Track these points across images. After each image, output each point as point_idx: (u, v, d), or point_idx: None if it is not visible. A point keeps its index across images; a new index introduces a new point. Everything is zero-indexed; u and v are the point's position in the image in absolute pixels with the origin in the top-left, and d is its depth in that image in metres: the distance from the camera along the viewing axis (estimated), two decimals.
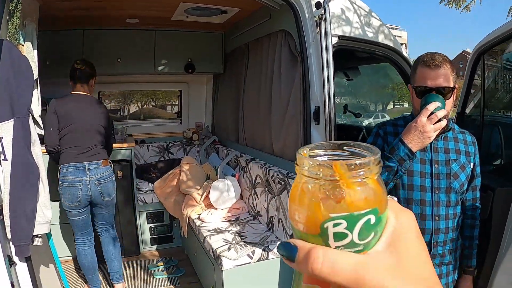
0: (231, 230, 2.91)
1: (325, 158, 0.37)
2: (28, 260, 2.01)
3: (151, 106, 6.36)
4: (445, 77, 1.54)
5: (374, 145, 1.75)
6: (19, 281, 1.94)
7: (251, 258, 2.49)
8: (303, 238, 0.34)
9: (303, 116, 2.41)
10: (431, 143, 1.59)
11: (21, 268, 1.97)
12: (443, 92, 1.54)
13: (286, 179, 2.59)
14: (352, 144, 0.37)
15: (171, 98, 5.18)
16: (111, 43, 3.89)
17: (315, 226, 0.32)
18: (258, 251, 2.52)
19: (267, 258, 2.54)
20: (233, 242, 2.64)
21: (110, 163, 3.01)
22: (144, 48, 4.04)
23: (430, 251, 1.64)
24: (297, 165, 0.34)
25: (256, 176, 3.09)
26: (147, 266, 3.65)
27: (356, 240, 0.32)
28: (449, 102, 1.55)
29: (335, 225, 0.32)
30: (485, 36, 2.58)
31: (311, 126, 2.37)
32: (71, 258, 3.56)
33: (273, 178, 2.77)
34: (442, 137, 1.69)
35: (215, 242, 2.66)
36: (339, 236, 0.32)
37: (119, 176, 3.68)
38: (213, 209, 3.24)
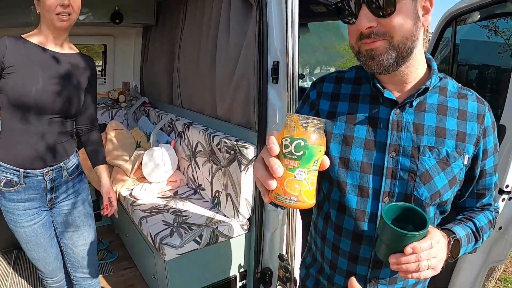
0: (170, 208, 2.48)
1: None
2: None
3: None
4: None
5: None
6: None
7: (199, 243, 2.11)
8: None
9: (259, 73, 2.00)
10: (389, 114, 0.90)
11: None
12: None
13: (236, 147, 2.17)
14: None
15: (101, 56, 4.41)
16: None
17: (279, 140, 0.67)
18: (206, 234, 2.15)
19: (216, 241, 2.18)
20: (175, 224, 2.23)
21: None
22: None
23: None
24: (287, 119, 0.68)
25: (197, 144, 2.65)
26: None
27: (293, 151, 0.65)
28: (400, 20, 0.77)
29: (285, 140, 0.66)
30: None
31: (268, 85, 1.98)
32: None
33: (219, 147, 2.36)
34: (415, 103, 0.89)
35: (154, 225, 2.22)
36: (285, 146, 0.65)
37: None
38: (147, 183, 2.77)
